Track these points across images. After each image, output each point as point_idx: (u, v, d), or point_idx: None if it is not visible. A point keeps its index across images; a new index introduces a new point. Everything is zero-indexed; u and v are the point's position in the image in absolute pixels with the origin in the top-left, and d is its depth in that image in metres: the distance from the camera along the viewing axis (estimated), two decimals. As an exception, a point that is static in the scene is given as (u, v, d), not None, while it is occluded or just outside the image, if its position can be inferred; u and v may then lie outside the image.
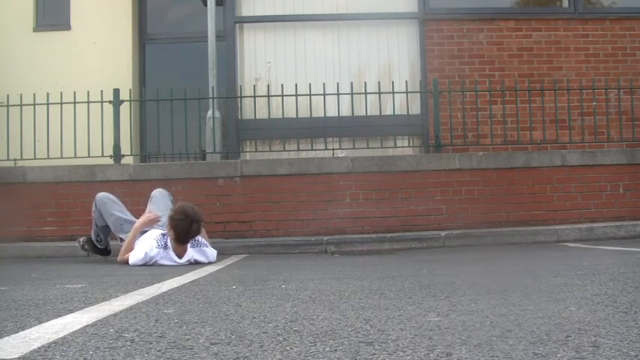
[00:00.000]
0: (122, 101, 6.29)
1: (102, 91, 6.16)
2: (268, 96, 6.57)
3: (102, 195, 4.81)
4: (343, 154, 6.44)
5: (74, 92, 6.18)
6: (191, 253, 4.44)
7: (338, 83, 6.53)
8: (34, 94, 6.21)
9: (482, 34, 7.41)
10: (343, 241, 5.47)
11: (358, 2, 7.65)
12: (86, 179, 5.93)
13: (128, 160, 6.44)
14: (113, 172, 5.98)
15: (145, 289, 2.79)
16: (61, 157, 6.09)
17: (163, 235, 4.45)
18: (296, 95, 6.39)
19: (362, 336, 1.61)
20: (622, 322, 1.70)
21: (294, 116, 6.52)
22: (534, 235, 5.60)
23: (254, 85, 7.19)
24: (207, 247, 4.55)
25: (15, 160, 6.09)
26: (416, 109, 7.25)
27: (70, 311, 2.15)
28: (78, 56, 7.69)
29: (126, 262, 4.42)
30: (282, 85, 6.55)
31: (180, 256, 4.39)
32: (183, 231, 4.32)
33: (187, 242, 4.42)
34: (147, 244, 4.39)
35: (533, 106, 6.64)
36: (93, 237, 4.87)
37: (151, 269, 4.00)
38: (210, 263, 4.40)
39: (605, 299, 2.12)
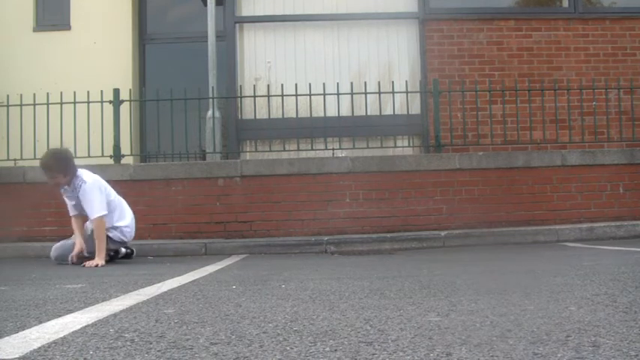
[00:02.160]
0: (122, 101, 6.29)
1: (102, 91, 6.16)
2: (268, 96, 6.57)
3: (52, 253, 4.76)
4: (343, 154, 6.44)
5: (74, 92, 6.18)
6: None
7: (338, 83, 6.53)
8: (34, 94, 6.21)
9: (482, 34, 7.41)
10: (343, 241, 5.47)
11: (358, 2, 7.65)
12: (86, 179, 5.92)
13: (128, 160, 6.44)
14: (113, 172, 5.98)
15: (145, 289, 2.79)
16: (61, 157, 6.08)
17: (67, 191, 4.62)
18: (296, 95, 6.39)
19: (362, 336, 1.61)
20: (622, 322, 1.70)
21: (294, 116, 6.52)
22: (534, 235, 5.60)
23: (254, 85, 7.19)
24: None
25: (15, 160, 6.09)
26: (416, 109, 7.25)
27: (70, 311, 2.15)
28: (78, 56, 7.69)
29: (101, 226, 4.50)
30: (282, 85, 6.55)
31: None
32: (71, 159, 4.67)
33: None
34: (90, 196, 4.55)
35: (533, 106, 6.64)
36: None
37: (151, 269, 4.00)
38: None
39: (605, 299, 2.12)
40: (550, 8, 8.05)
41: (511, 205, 6.05)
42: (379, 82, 6.65)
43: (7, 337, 1.68)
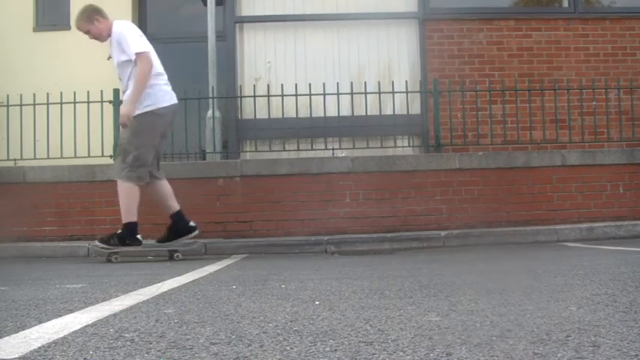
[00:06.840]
0: (122, 101, 6.28)
1: (102, 91, 6.16)
2: (268, 96, 6.57)
3: None
4: (343, 154, 6.44)
5: (74, 92, 6.18)
6: None
7: (338, 83, 6.53)
8: (34, 94, 6.20)
9: (482, 34, 7.41)
10: (343, 241, 5.47)
11: (358, 2, 7.64)
12: (86, 179, 5.93)
13: (128, 160, 6.43)
14: (113, 172, 5.97)
15: (145, 289, 2.79)
16: (61, 157, 6.09)
17: None
18: (296, 95, 6.39)
19: (362, 336, 1.61)
20: (622, 321, 1.70)
21: (294, 116, 6.52)
22: (534, 235, 5.60)
23: (254, 85, 7.18)
24: None
25: (15, 160, 6.09)
26: (416, 109, 7.24)
27: (70, 311, 2.15)
28: (78, 56, 7.68)
29: None
30: (282, 85, 6.54)
31: None
32: None
33: None
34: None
35: (533, 106, 6.64)
36: None
37: (151, 269, 4.00)
38: None
39: (605, 299, 2.12)
40: (550, 8, 8.05)
41: (511, 205, 6.05)
42: (379, 82, 6.65)
43: (7, 337, 1.68)
